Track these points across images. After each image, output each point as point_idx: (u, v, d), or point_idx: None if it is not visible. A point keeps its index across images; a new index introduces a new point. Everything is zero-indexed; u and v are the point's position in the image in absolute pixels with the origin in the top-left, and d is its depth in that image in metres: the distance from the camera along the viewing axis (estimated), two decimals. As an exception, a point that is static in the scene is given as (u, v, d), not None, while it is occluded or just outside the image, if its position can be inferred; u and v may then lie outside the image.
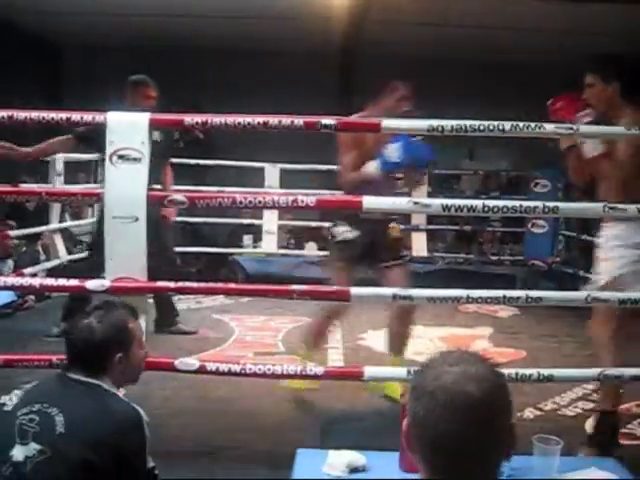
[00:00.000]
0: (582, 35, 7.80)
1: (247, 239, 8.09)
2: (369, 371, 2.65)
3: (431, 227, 7.68)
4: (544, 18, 7.45)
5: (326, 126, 2.53)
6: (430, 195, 7.46)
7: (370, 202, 2.49)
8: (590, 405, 3.88)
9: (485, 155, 9.96)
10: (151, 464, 1.84)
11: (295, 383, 3.62)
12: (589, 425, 3.57)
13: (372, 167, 3.41)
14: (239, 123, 2.64)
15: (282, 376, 2.72)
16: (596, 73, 3.02)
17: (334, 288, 2.62)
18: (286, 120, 2.55)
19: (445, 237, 8.20)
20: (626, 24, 7.26)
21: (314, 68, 9.00)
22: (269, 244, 7.57)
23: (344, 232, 3.75)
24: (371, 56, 8.84)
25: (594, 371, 2.85)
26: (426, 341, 5.25)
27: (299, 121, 2.55)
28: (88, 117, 2.82)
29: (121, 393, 1.94)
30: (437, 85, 8.88)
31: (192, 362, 2.85)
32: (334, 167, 7.59)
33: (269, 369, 2.66)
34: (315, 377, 2.65)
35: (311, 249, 8.15)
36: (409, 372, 2.52)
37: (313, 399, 3.72)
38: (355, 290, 2.57)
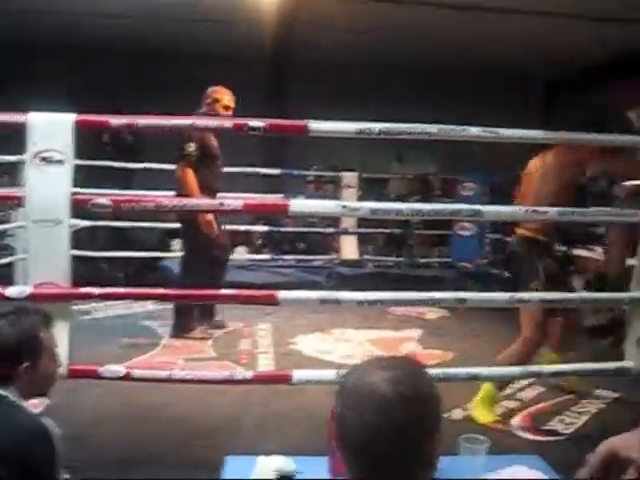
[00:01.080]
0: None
1: (176, 243, 7.96)
2: (297, 375, 2.64)
3: (361, 230, 7.72)
4: (466, 26, 7.62)
5: (254, 128, 2.50)
6: (360, 198, 7.52)
7: (297, 206, 2.48)
8: (516, 404, 3.97)
9: (414, 159, 10.11)
10: (64, 476, 1.77)
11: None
12: (515, 423, 3.67)
13: None
14: (166, 125, 2.59)
15: (209, 381, 2.68)
16: None
17: (262, 292, 2.60)
18: (214, 122, 2.53)
19: (375, 240, 8.27)
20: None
21: (245, 71, 8.95)
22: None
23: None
24: (302, 60, 8.88)
25: (517, 369, 2.91)
26: (355, 344, 5.28)
27: (227, 123, 2.52)
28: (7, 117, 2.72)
29: (44, 404, 1.87)
30: (367, 89, 9.01)
31: (117, 369, 2.79)
32: (267, 170, 7.70)
33: (196, 375, 2.61)
34: (244, 382, 2.62)
35: (241, 253, 8.09)
36: (337, 375, 2.52)
37: (245, 404, 3.69)
38: (283, 294, 2.55)
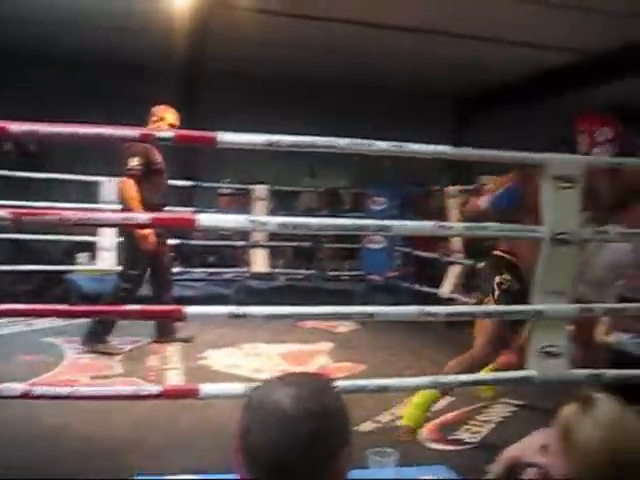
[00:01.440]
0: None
1: (82, 257, 7.72)
2: (205, 389, 2.59)
3: (271, 244, 7.70)
4: (379, 43, 7.75)
5: (162, 139, 2.45)
6: (271, 211, 7.52)
7: (206, 220, 2.44)
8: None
9: (326, 173, 10.20)
10: None
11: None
12: (424, 433, 3.73)
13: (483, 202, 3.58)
14: (70, 133, 2.49)
15: (114, 398, 2.59)
16: None
17: (168, 308, 2.54)
18: (120, 132, 2.45)
19: (286, 253, 8.27)
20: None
21: (157, 81, 8.82)
22: (106, 262, 7.26)
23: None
24: (215, 71, 8.82)
25: (426, 379, 2.95)
26: (266, 358, 5.25)
27: (134, 133, 2.46)
28: None
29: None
30: (281, 102, 9.03)
31: (16, 387, 2.66)
32: (178, 182, 7.59)
33: (100, 391, 2.53)
34: (150, 397, 2.55)
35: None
36: (246, 388, 2.49)
37: (151, 421, 3.60)
38: (190, 309, 2.51)
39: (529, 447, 1.60)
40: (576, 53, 7.89)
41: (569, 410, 1.47)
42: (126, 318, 2.49)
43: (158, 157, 5.11)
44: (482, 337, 3.77)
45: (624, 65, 7.46)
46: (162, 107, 5.25)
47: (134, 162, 4.89)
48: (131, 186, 4.88)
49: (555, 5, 6.27)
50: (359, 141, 2.55)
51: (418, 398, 3.65)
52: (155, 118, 5.16)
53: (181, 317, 2.57)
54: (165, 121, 5.13)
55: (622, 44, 7.25)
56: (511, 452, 1.66)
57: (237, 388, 2.52)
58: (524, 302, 3.15)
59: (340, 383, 2.71)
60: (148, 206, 4.77)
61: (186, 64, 8.80)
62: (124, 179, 4.94)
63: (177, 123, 5.16)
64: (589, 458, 1.38)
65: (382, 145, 2.60)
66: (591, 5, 6.24)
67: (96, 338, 5.09)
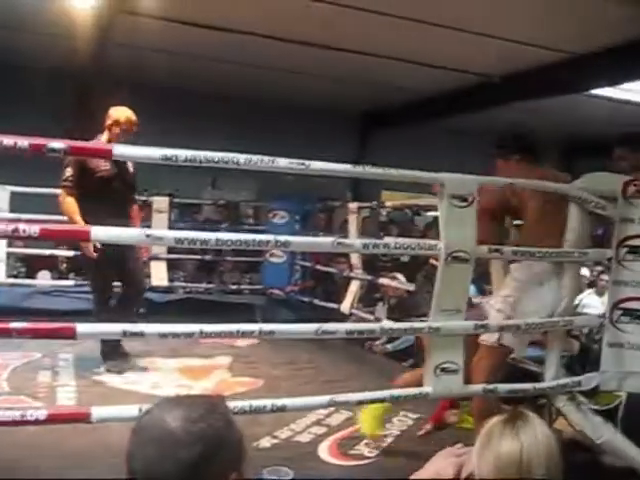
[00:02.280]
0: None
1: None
2: (97, 412, 2.48)
3: (171, 256, 7.55)
4: (287, 58, 7.77)
5: (54, 150, 2.33)
6: (172, 224, 7.38)
7: (99, 233, 2.35)
8: (323, 429, 4.02)
9: (229, 185, 10.13)
10: None
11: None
12: (323, 449, 3.72)
13: None
14: None
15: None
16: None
17: (58, 325, 2.42)
18: (8, 141, 2.32)
19: (186, 266, 8.13)
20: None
21: (55, 87, 8.55)
22: (-4, 273, 6.93)
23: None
24: (118, 80, 8.61)
25: (324, 398, 2.94)
26: (164, 373, 5.13)
27: (23, 143, 2.32)
28: None
29: None
30: (185, 114, 8.91)
31: None
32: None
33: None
34: (36, 423, 2.42)
35: (44, 278, 7.66)
36: (140, 411, 2.40)
37: (38, 445, 3.41)
38: (82, 327, 2.40)
39: (440, 472, 1.62)
40: (478, 76, 8.14)
41: (494, 422, 1.54)
42: (11, 336, 2.34)
43: (103, 164, 4.77)
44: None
45: (527, 87, 7.76)
46: (118, 109, 4.90)
47: (66, 173, 4.67)
48: (64, 199, 4.65)
49: (459, 29, 6.45)
50: (260, 158, 2.52)
51: (376, 410, 3.72)
52: (109, 122, 4.83)
53: (72, 336, 2.46)
54: (119, 125, 4.81)
55: (525, 68, 7.55)
56: (422, 478, 1.67)
57: (131, 410, 2.42)
58: None
59: (237, 404, 2.66)
60: (94, 218, 3.96)
61: (86, 70, 8.56)
62: (61, 192, 4.73)
63: (133, 128, 4.85)
64: (499, 466, 1.45)
65: (284, 162, 2.58)
66: (492, 31, 6.46)
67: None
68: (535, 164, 3.71)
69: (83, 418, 2.51)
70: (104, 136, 4.88)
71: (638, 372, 3.40)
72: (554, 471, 1.50)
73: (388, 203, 7.59)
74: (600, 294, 6.75)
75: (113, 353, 4.99)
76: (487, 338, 3.41)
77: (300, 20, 6.55)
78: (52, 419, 2.45)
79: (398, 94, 9.52)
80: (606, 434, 3.43)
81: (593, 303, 6.68)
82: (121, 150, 2.39)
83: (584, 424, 3.51)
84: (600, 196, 3.36)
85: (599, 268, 7.19)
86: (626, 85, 7.78)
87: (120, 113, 4.87)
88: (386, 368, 5.26)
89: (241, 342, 6.22)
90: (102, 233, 2.42)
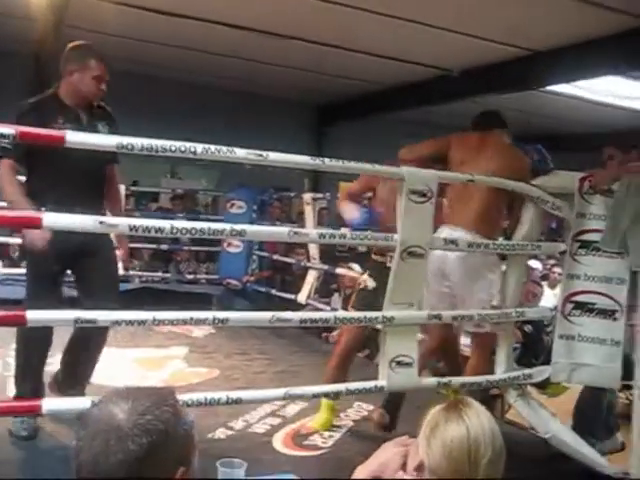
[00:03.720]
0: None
1: None
2: (47, 404, 2.43)
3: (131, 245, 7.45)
4: (245, 46, 7.72)
5: (2, 135, 2.27)
6: (129, 212, 7.29)
7: (51, 220, 2.30)
8: (278, 420, 4.02)
9: (187, 173, 10.04)
10: None
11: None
12: (277, 440, 3.73)
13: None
14: None
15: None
16: None
17: (8, 313, 2.37)
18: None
19: (142, 255, 8.04)
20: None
21: (8, 70, 8.36)
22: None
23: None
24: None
25: (280, 391, 2.94)
26: (120, 364, 5.06)
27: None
28: None
29: None
30: (141, 100, 8.78)
31: None
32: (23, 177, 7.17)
33: None
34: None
35: (-5, 266, 7.51)
36: (93, 403, 2.36)
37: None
38: (32, 314, 2.36)
39: (387, 463, 1.64)
40: (439, 70, 8.19)
41: (439, 409, 1.56)
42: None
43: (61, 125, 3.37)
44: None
45: (485, 82, 7.83)
46: (82, 45, 3.61)
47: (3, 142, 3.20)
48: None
49: (419, 23, 6.47)
50: (218, 148, 2.49)
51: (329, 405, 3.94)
52: (74, 66, 3.47)
53: (23, 322, 2.41)
54: (89, 71, 3.48)
55: (485, 64, 7.62)
56: (368, 469, 1.68)
57: (83, 402, 2.38)
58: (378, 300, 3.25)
59: (193, 396, 2.64)
60: (39, 199, 3.25)
61: (40, 54, 8.39)
62: None
63: (106, 76, 3.58)
64: (449, 450, 1.47)
65: (242, 153, 2.56)
66: (452, 25, 6.49)
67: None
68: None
69: (34, 410, 2.46)
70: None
71: (587, 364, 3.47)
72: (499, 451, 1.54)
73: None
74: (552, 286, 6.85)
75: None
76: (480, 328, 3.60)
77: (260, 9, 6.50)
78: (2, 412, 2.41)
79: (356, 86, 9.53)
80: (554, 429, 3.50)
81: (545, 295, 6.79)
82: (74, 137, 2.33)
83: (533, 419, 3.58)
84: (556, 194, 3.43)
85: (552, 261, 7.30)
86: (581, 83, 7.91)
87: (88, 56, 3.55)
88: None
89: (197, 332, 6.20)
90: (53, 219, 2.37)
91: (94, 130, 3.43)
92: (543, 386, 4.14)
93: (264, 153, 2.63)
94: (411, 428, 1.74)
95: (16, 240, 7.26)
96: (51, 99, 3.50)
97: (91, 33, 7.36)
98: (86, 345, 3.67)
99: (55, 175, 3.32)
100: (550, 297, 6.48)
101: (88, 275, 3.66)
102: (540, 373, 3.57)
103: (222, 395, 2.74)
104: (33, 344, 3.49)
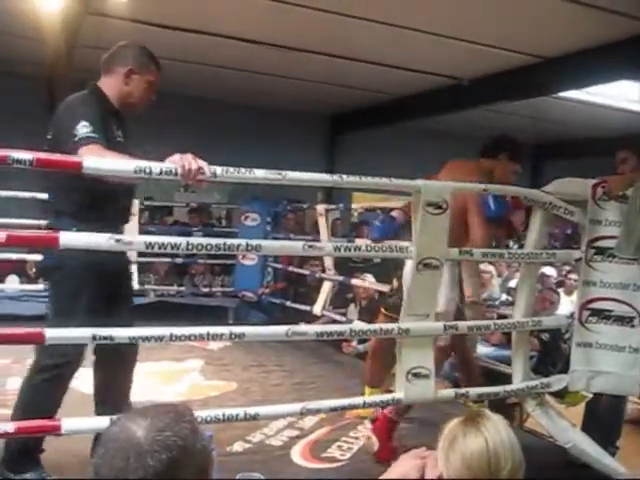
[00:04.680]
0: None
1: None
2: (67, 424, 2.45)
3: (142, 260, 7.49)
4: (254, 60, 7.76)
5: (19, 161, 2.26)
6: (142, 227, 7.33)
7: (68, 239, 2.33)
8: (296, 432, 4.02)
9: (200, 187, 10.07)
10: None
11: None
12: (295, 452, 3.73)
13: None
14: None
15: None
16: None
17: (27, 330, 2.39)
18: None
19: (157, 269, 8.07)
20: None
21: (22, 92, 8.45)
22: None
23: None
24: (82, 84, 8.52)
25: (297, 406, 2.94)
26: (136, 378, 5.06)
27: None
28: None
29: None
30: (160, 120, 8.85)
31: None
32: (39, 194, 7.22)
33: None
34: (4, 435, 2.39)
35: (12, 282, 7.55)
36: (111, 421, 2.37)
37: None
38: (51, 332, 2.38)
39: (405, 476, 1.64)
40: (449, 78, 8.20)
41: (457, 421, 1.56)
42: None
43: (117, 133, 3.11)
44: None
45: (496, 90, 7.84)
46: (142, 46, 3.27)
47: (83, 128, 2.82)
48: (100, 151, 2.83)
49: (429, 32, 6.49)
50: (237, 169, 2.51)
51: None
52: (133, 66, 3.13)
53: (42, 341, 2.43)
54: (147, 75, 3.17)
55: (495, 71, 7.62)
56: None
57: (101, 421, 2.40)
58: None
59: (210, 413, 2.65)
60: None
61: (55, 74, 8.46)
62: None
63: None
64: (468, 464, 1.47)
65: (262, 173, 2.58)
66: (462, 34, 6.50)
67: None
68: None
69: (53, 430, 2.47)
70: None
71: (606, 372, 3.45)
72: (519, 463, 1.53)
73: (357, 205, 7.62)
74: (568, 293, 6.82)
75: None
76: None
77: (270, 23, 6.54)
78: (22, 432, 2.42)
79: (368, 96, 9.56)
80: (574, 439, 3.48)
81: (561, 302, 6.75)
82: (91, 163, 2.35)
83: (552, 429, 3.56)
84: (569, 201, 3.42)
85: (567, 268, 7.28)
86: (593, 89, 7.90)
87: (144, 59, 3.24)
88: (357, 369, 5.27)
89: (213, 344, 6.21)
90: (70, 239, 2.39)
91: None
92: (561, 395, 4.11)
93: (282, 173, 2.64)
94: (429, 440, 1.73)
95: (33, 257, 7.34)
96: (105, 100, 3.09)
97: (105, 52, 7.44)
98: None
99: (105, 192, 2.89)
100: (566, 304, 6.45)
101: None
102: (558, 382, 3.55)
103: (240, 411, 2.74)
104: None
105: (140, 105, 3.21)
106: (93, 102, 2.99)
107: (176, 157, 2.48)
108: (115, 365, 3.32)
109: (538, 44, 6.73)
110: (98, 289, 2.95)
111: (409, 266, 3.86)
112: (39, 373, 2.98)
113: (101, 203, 2.92)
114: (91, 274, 2.89)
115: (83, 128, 2.66)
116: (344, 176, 2.84)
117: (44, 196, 3.35)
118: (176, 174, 2.46)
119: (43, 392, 2.97)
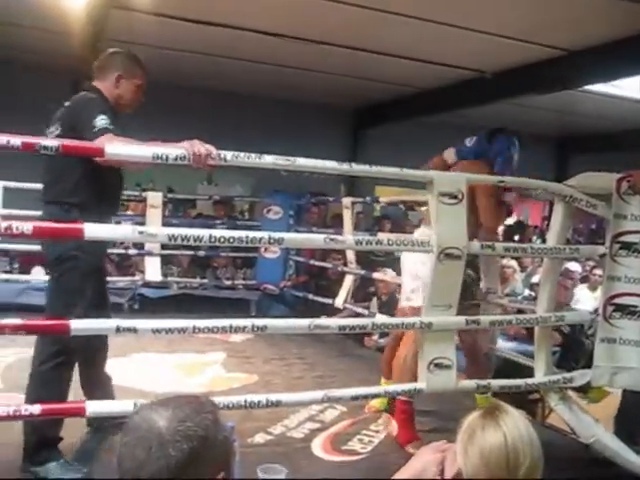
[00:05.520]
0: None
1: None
2: (91, 407, 2.49)
3: (165, 252, 7.55)
4: (279, 53, 7.76)
5: (47, 148, 2.34)
6: (165, 219, 7.38)
7: (92, 230, 2.36)
8: (317, 425, 4.04)
9: (222, 179, 10.12)
10: None
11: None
12: (316, 445, 3.74)
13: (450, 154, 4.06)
14: None
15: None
16: None
17: (51, 322, 2.43)
18: (1, 139, 2.33)
19: (180, 262, 8.13)
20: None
21: (48, 84, 8.52)
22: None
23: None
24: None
25: (319, 393, 2.96)
26: (159, 369, 5.13)
27: (16, 141, 2.33)
28: None
29: None
30: (178, 110, 8.89)
31: None
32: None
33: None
34: (30, 417, 2.44)
35: (38, 274, 7.64)
36: (135, 406, 2.41)
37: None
38: (76, 323, 2.41)
39: (424, 469, 1.64)
40: (472, 72, 8.14)
41: (476, 415, 1.55)
42: (4, 333, 2.35)
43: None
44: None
45: (520, 83, 7.77)
46: (129, 52, 3.57)
47: (102, 121, 3.02)
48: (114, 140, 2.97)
49: (452, 25, 6.44)
50: (247, 154, 2.53)
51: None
52: (121, 72, 3.40)
53: (66, 331, 2.47)
54: (135, 79, 3.46)
55: (519, 65, 7.56)
56: (406, 475, 1.68)
57: (125, 405, 2.44)
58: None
59: (232, 399, 2.68)
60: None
61: (80, 67, 8.52)
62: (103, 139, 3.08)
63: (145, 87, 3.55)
64: (487, 459, 1.46)
65: (271, 159, 2.60)
66: (485, 27, 6.45)
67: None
68: None
69: (78, 413, 2.52)
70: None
71: (629, 367, 3.42)
72: (537, 457, 1.52)
73: (383, 198, 7.62)
74: (593, 289, 6.77)
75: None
76: None
77: (295, 16, 6.54)
78: (46, 413, 2.46)
79: (391, 90, 9.53)
80: (597, 434, 3.46)
81: (585, 298, 6.71)
82: (113, 149, 2.39)
83: (575, 424, 3.54)
84: (593, 195, 3.39)
85: (592, 263, 7.22)
86: (619, 81, 7.80)
87: (135, 66, 3.54)
88: (378, 363, 5.28)
89: (235, 337, 6.24)
90: (94, 230, 2.42)
91: None
92: (584, 391, 4.09)
93: (291, 159, 2.67)
94: (448, 433, 1.73)
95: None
96: (106, 99, 3.32)
97: (129, 45, 7.48)
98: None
99: (109, 184, 3.20)
100: (590, 299, 6.40)
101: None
102: (581, 377, 3.54)
103: (262, 398, 2.77)
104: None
105: (131, 106, 3.49)
106: (102, 100, 3.25)
107: (185, 144, 2.61)
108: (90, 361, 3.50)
109: (563, 36, 6.66)
110: (99, 280, 3.27)
111: (406, 257, 3.94)
112: (45, 362, 3.08)
113: (103, 194, 3.13)
114: (96, 266, 3.18)
115: (101, 120, 2.86)
116: (354, 164, 2.86)
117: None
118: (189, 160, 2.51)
119: (52, 379, 3.09)
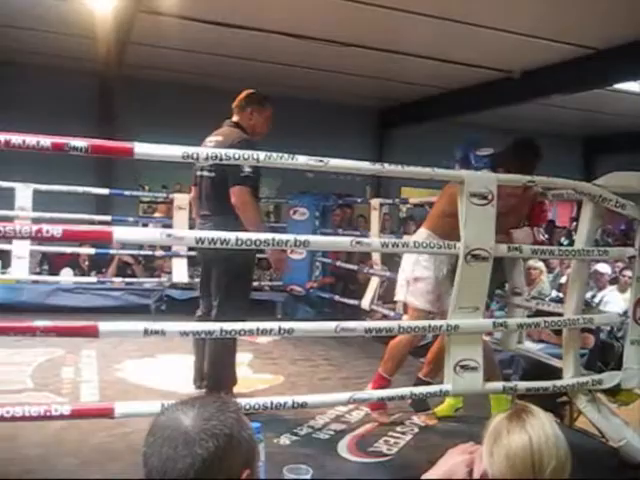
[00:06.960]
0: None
1: (-7, 265, 7.44)
2: (120, 407, 2.52)
3: (192, 254, 7.58)
4: (304, 54, 7.79)
5: (76, 148, 2.36)
6: (191, 220, 7.42)
7: (122, 234, 2.39)
8: (342, 426, 4.03)
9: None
10: None
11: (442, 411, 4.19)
12: (342, 446, 3.74)
13: None
14: None
15: (21, 419, 2.48)
16: None
17: (81, 324, 2.46)
18: (31, 140, 2.36)
19: (207, 263, 8.15)
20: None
21: (75, 88, 8.65)
22: (19, 270, 6.98)
23: None
24: (134, 80, 8.68)
25: (345, 395, 2.96)
26: (184, 371, 5.15)
27: (45, 142, 2.36)
28: None
29: None
30: (205, 112, 8.93)
31: None
32: (97, 190, 7.42)
33: (6, 413, 2.41)
34: (60, 418, 2.47)
35: (67, 275, 7.73)
36: (162, 407, 2.42)
37: (60, 441, 3.44)
38: (104, 326, 2.44)
39: (453, 471, 1.63)
40: (499, 72, 8.11)
41: (502, 417, 1.55)
42: (35, 335, 2.38)
43: None
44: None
45: (547, 83, 7.72)
46: (259, 92, 4.42)
47: (245, 169, 3.71)
48: (250, 200, 3.82)
49: (480, 26, 6.43)
50: (280, 155, 2.54)
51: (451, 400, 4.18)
52: (255, 107, 4.28)
53: (95, 334, 2.49)
54: (265, 112, 4.32)
55: (546, 64, 7.52)
56: (434, 477, 1.68)
57: (153, 406, 2.46)
58: None
59: (259, 400, 2.69)
60: None
61: (104, 73, 8.62)
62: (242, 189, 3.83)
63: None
64: (512, 461, 1.46)
65: (304, 159, 2.61)
66: (513, 27, 6.43)
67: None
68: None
69: (107, 413, 2.55)
70: None
71: (660, 370, 3.38)
72: (564, 460, 1.51)
73: (411, 199, 7.59)
74: (622, 290, 6.69)
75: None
76: None
77: (322, 18, 6.56)
78: (76, 414, 2.49)
79: (417, 90, 9.52)
80: (627, 436, 3.42)
81: (614, 300, 6.63)
82: (143, 149, 2.41)
83: (605, 426, 3.50)
84: (623, 195, 3.35)
85: (621, 264, 7.13)
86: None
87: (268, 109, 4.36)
88: (404, 365, 5.27)
89: (261, 338, 6.25)
90: (124, 233, 2.45)
91: None
92: (614, 393, 4.04)
93: (324, 159, 2.67)
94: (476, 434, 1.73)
95: (87, 250, 7.51)
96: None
97: (155, 48, 7.56)
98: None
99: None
100: (620, 301, 6.32)
101: None
102: (610, 378, 3.49)
103: (288, 399, 2.78)
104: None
105: (262, 133, 4.26)
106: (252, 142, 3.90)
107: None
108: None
109: (590, 36, 6.61)
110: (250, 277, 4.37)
111: (407, 258, 4.02)
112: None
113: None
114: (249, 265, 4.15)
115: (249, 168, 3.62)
116: (386, 165, 2.85)
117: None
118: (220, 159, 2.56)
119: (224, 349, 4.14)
